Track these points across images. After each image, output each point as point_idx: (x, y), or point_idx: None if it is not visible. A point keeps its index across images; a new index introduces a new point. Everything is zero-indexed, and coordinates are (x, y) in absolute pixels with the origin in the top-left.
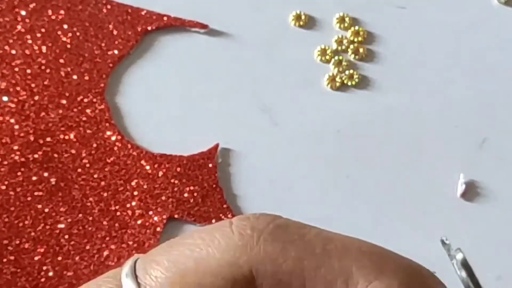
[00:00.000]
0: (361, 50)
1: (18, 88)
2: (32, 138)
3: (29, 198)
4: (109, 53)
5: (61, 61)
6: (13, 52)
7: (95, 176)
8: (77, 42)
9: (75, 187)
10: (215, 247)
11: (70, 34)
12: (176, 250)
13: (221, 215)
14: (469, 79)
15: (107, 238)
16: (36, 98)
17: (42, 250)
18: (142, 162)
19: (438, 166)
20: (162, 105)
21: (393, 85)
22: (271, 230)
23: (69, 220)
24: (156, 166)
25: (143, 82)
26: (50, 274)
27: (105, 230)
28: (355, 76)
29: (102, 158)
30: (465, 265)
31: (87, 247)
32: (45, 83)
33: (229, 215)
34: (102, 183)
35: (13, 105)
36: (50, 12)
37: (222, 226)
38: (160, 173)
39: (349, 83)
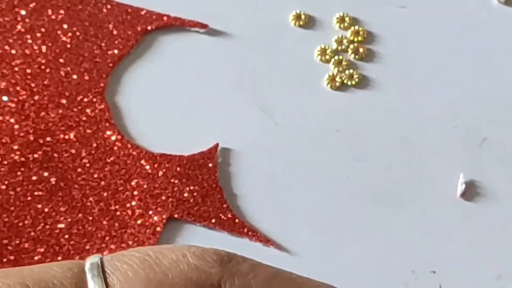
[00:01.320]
0: (361, 50)
1: (18, 88)
2: (32, 138)
3: (29, 198)
4: (109, 52)
5: (61, 60)
6: (13, 52)
7: (95, 176)
8: (77, 41)
9: (75, 187)
10: (190, 255)
11: (70, 34)
12: (147, 254)
13: (221, 214)
14: (469, 79)
15: (107, 238)
16: (36, 98)
17: (42, 250)
18: (142, 162)
19: (438, 166)
20: (162, 105)
21: (393, 85)
22: (242, 256)
23: (69, 220)
24: (156, 166)
25: (143, 82)
26: None
27: (105, 230)
28: (355, 76)
29: (102, 158)
30: None
31: (87, 247)
32: (45, 82)
33: (229, 215)
34: (102, 183)
35: (13, 105)
36: (50, 12)
37: (198, 246)
38: (160, 173)
39: (349, 83)
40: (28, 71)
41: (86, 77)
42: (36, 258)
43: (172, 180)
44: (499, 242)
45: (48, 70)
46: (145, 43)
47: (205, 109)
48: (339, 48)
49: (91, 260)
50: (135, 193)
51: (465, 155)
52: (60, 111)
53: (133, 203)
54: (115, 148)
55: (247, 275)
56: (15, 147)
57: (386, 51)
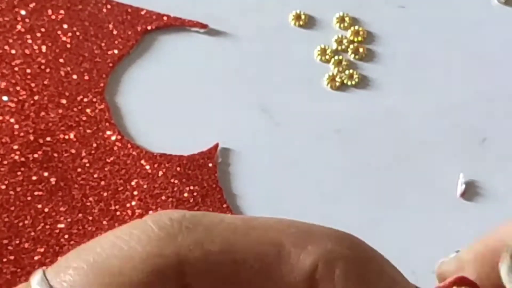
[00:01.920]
0: (361, 50)
1: (18, 88)
2: (32, 138)
3: (29, 198)
4: (109, 52)
5: (61, 60)
6: (13, 51)
7: (95, 176)
8: (77, 41)
9: (75, 187)
10: (136, 242)
11: (70, 34)
12: (91, 253)
13: None
14: (469, 79)
15: None
16: (36, 97)
17: (42, 250)
18: (142, 162)
19: (438, 166)
20: (162, 105)
21: (393, 85)
22: (190, 217)
23: (69, 220)
24: (156, 166)
25: (143, 82)
26: None
27: (105, 230)
28: (355, 76)
29: (102, 158)
30: None
31: None
32: (45, 82)
33: (229, 215)
34: (102, 182)
35: (13, 105)
36: (50, 11)
37: (137, 223)
38: (160, 173)
39: (349, 83)
40: (28, 71)
41: (86, 77)
42: (36, 258)
43: (172, 180)
44: None
45: (48, 70)
46: (145, 43)
47: (205, 109)
48: (339, 48)
49: (37, 278)
50: (135, 193)
51: (465, 155)
52: (60, 111)
53: (133, 203)
54: (115, 148)
55: (202, 243)
56: (15, 147)
57: (386, 51)
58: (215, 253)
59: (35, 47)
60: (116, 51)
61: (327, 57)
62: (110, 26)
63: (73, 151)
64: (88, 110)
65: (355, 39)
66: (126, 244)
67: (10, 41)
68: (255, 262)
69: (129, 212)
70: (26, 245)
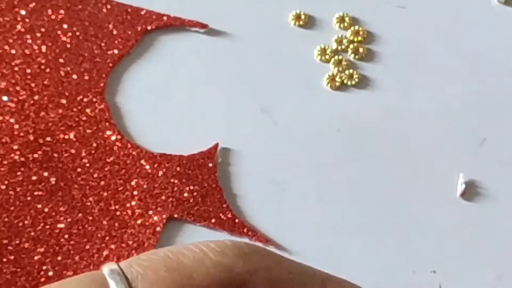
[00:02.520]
0: (361, 49)
1: (18, 88)
2: (32, 138)
3: (29, 198)
4: (109, 52)
5: (61, 60)
6: (13, 51)
7: (95, 175)
8: (77, 41)
9: (75, 187)
10: (211, 251)
11: (70, 34)
12: (167, 256)
13: (220, 214)
14: (469, 79)
15: (107, 238)
16: (36, 97)
17: (42, 250)
18: (142, 161)
19: (438, 166)
20: (162, 105)
21: (393, 85)
22: (263, 249)
23: (69, 219)
24: (156, 165)
25: (143, 81)
26: (50, 273)
27: (105, 230)
28: (355, 76)
29: (102, 158)
30: None
31: (87, 247)
32: (45, 82)
33: (229, 215)
34: (102, 182)
35: (13, 105)
36: (50, 11)
37: (216, 240)
38: (160, 173)
39: (349, 83)
40: (28, 71)
41: (86, 77)
42: (36, 258)
43: (172, 180)
44: (499, 242)
45: (48, 70)
46: (145, 43)
47: (205, 109)
48: (339, 48)
49: (110, 267)
50: (135, 193)
51: (465, 155)
52: (60, 111)
53: (133, 203)
54: (115, 148)
55: (271, 269)
56: (15, 147)
57: (386, 51)
58: (277, 280)
59: (35, 47)
60: (116, 51)
61: (327, 57)
62: (110, 26)
63: (73, 151)
64: (88, 110)
65: (355, 39)
66: (201, 250)
67: (10, 41)
68: None
69: (129, 212)
70: (26, 245)
